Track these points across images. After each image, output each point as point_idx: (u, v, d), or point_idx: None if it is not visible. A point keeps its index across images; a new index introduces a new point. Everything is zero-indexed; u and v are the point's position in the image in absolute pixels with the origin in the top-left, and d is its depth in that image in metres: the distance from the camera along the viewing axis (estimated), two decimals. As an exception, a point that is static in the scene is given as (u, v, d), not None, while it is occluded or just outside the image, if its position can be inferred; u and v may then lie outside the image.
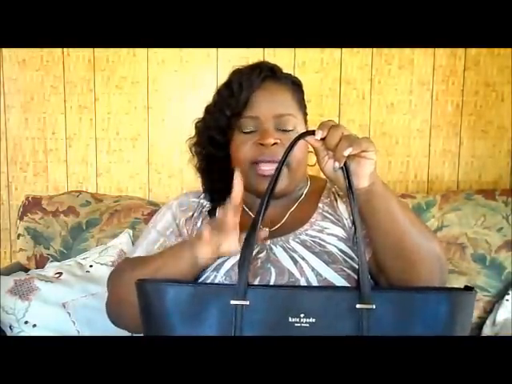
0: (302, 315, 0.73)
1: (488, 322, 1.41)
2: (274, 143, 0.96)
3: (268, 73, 1.01)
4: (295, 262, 0.93)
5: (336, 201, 1.03)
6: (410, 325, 0.73)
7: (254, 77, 0.99)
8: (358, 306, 0.73)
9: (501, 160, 1.72)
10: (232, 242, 0.87)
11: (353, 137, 0.79)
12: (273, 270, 0.93)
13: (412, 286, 0.85)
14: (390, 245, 0.87)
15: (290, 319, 0.74)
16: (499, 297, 1.43)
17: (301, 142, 0.96)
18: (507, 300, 1.40)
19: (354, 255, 0.95)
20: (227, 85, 1.03)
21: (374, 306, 0.73)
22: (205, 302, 0.75)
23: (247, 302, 0.74)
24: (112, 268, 1.43)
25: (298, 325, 0.73)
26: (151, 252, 1.00)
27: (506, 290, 1.43)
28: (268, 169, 0.95)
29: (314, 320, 0.74)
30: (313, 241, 0.97)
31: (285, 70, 1.09)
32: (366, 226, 0.89)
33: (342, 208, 1.01)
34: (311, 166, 1.05)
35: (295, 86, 1.05)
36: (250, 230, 0.79)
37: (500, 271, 1.46)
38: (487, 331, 1.40)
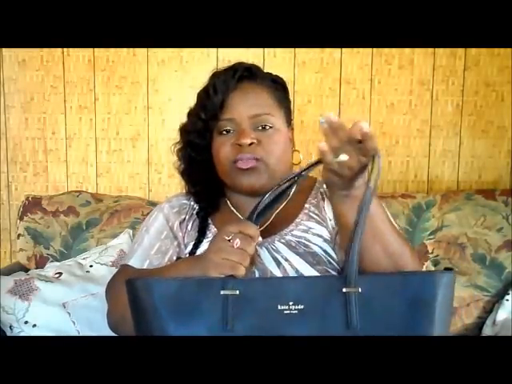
0: (290, 303, 0.75)
1: (488, 322, 1.41)
2: (251, 143, 0.97)
3: (244, 73, 1.01)
4: (278, 263, 0.94)
5: (323, 200, 1.02)
6: (395, 306, 0.75)
7: (228, 78, 0.99)
8: (344, 289, 0.74)
9: (501, 160, 1.72)
10: (244, 270, 0.79)
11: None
12: (256, 272, 0.93)
13: (396, 271, 0.85)
14: (364, 242, 0.83)
15: (279, 307, 0.75)
16: (499, 297, 1.43)
17: (279, 139, 0.98)
18: (507, 300, 1.40)
19: (336, 257, 0.96)
20: (205, 88, 1.03)
21: (360, 290, 0.74)
22: (194, 295, 0.76)
23: (237, 292, 0.75)
24: (112, 268, 1.45)
25: (288, 312, 0.75)
26: (148, 258, 1.00)
27: (506, 290, 1.43)
28: (245, 164, 0.96)
29: (302, 307, 0.75)
30: (298, 241, 0.96)
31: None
32: (338, 225, 0.90)
33: (328, 209, 1.00)
34: (296, 164, 1.05)
35: (276, 84, 1.05)
36: None
37: (500, 271, 1.46)
38: (487, 331, 1.40)
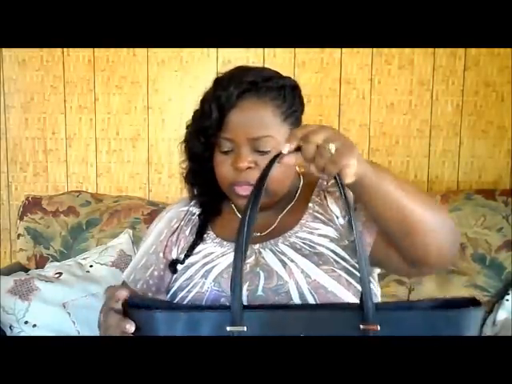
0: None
1: (488, 322, 1.41)
2: (248, 167, 0.92)
3: (247, 86, 0.93)
4: (284, 264, 0.92)
5: (326, 199, 0.99)
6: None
7: (230, 93, 0.92)
8: (361, 326, 0.68)
9: (501, 160, 1.72)
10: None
11: (328, 152, 0.69)
12: (262, 273, 0.92)
13: (418, 305, 0.77)
14: (394, 226, 0.83)
15: None
16: (499, 297, 1.43)
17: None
18: (507, 300, 1.40)
19: (346, 256, 0.93)
20: (206, 98, 0.96)
21: (379, 327, 0.68)
22: (198, 330, 0.72)
23: (244, 328, 0.69)
24: (112, 268, 1.45)
25: None
26: (134, 272, 1.02)
27: (506, 290, 1.43)
28: (244, 190, 0.93)
29: None
30: (303, 243, 0.95)
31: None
32: (366, 212, 0.89)
33: (333, 207, 0.98)
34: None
35: (283, 91, 0.94)
36: (235, 257, 0.72)
37: (500, 271, 1.46)
38: (487, 331, 1.40)
